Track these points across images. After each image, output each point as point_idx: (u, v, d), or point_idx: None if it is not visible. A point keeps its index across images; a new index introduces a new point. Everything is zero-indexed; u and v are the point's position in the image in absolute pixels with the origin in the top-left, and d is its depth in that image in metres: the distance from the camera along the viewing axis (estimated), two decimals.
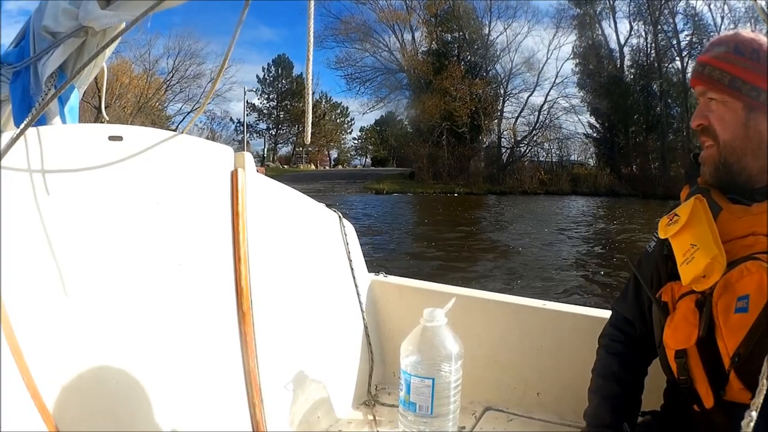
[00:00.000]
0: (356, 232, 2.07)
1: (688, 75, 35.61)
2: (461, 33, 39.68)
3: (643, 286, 1.31)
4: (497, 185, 36.16)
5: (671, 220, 1.18)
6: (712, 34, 34.70)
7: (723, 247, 1.07)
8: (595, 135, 40.15)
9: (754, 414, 0.76)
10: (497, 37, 39.37)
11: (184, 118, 41.15)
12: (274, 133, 56.37)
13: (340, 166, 62.47)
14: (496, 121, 40.02)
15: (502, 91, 39.93)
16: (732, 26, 33.35)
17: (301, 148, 56.66)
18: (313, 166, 56.82)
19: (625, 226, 19.71)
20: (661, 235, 1.21)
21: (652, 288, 1.28)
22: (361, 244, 2.08)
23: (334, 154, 64.21)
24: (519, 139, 39.68)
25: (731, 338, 1.04)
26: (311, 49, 1.28)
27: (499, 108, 39.99)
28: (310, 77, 1.30)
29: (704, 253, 1.07)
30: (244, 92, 43.86)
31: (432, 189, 35.19)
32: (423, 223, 19.60)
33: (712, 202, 1.16)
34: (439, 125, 37.92)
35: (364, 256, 2.09)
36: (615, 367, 1.37)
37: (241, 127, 49.19)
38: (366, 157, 68.08)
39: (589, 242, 16.00)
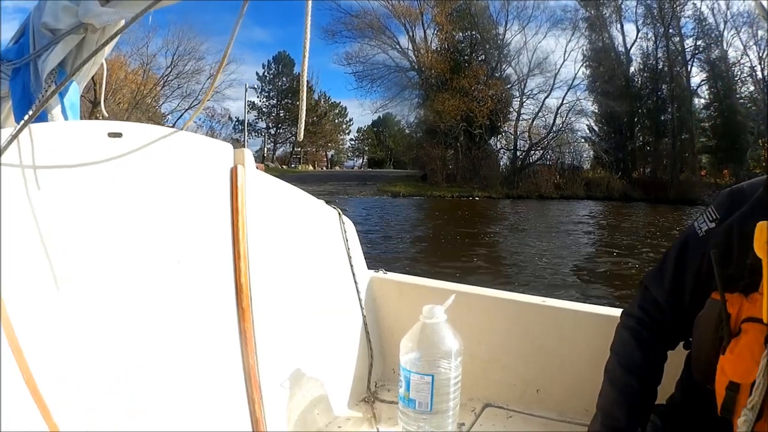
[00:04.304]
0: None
1: (694, 79, 35.14)
2: (473, 32, 39.24)
3: (689, 273, 1.24)
4: (513, 189, 35.57)
5: None
6: (715, 36, 35.00)
7: None
8: (606, 139, 39.93)
9: (751, 414, 0.75)
10: (513, 37, 39.07)
11: (181, 115, 40.77)
12: (273, 132, 56.26)
13: (337, 168, 62.35)
14: (512, 123, 39.57)
15: (518, 93, 39.44)
16: (734, 30, 33.62)
17: (299, 149, 56.54)
18: (311, 167, 56.61)
19: (642, 230, 19.74)
20: (759, 252, 1.01)
21: (701, 281, 1.21)
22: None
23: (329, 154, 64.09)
24: (535, 141, 39.10)
25: None
26: (307, 44, 1.28)
27: (515, 109, 39.49)
28: (305, 72, 1.31)
29: None
30: (245, 89, 43.63)
31: (449, 192, 34.53)
32: (455, 231, 18.48)
33: None
34: (456, 126, 37.22)
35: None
36: (638, 358, 1.30)
37: (240, 126, 49.11)
38: (363, 158, 68.02)
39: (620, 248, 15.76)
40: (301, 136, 1.40)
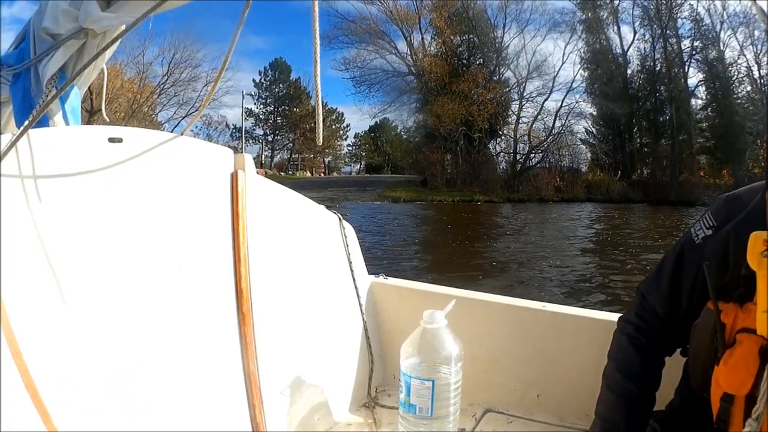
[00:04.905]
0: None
1: (691, 80, 35.10)
2: (471, 36, 39.21)
3: (685, 281, 1.24)
4: (514, 192, 35.36)
5: None
6: (712, 37, 35.16)
7: None
8: (605, 141, 39.97)
9: (756, 425, 0.75)
10: (511, 40, 39.06)
11: (178, 123, 40.56)
12: (270, 139, 56.17)
13: (335, 174, 62.24)
14: (511, 126, 39.51)
15: (517, 96, 39.39)
16: (730, 31, 33.83)
17: (297, 155, 56.47)
18: (308, 173, 56.45)
19: (646, 232, 19.82)
20: (752, 264, 1.00)
21: (696, 290, 1.20)
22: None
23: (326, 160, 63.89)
24: (535, 144, 39.01)
25: None
26: (318, 50, 1.28)
27: (514, 112, 39.43)
28: (318, 79, 1.31)
29: None
30: (242, 96, 43.58)
31: (450, 197, 34.23)
32: (459, 236, 18.14)
33: None
34: (456, 130, 37.05)
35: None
36: (636, 364, 1.30)
37: (237, 133, 49.02)
38: (360, 164, 67.93)
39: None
40: (320, 140, 1.39)
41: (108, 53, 1.48)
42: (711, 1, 34.89)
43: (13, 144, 1.10)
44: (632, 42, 38.23)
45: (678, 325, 1.26)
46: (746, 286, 1.05)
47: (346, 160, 67.36)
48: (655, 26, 36.99)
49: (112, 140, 1.33)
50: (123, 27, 1.47)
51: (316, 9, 1.25)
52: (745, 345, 1.04)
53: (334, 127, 59.70)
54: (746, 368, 1.03)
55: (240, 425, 1.50)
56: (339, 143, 62.72)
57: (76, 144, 1.26)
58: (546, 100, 38.85)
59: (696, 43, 36.30)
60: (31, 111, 1.45)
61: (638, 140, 39.96)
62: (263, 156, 53.83)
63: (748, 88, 35.62)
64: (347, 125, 61.49)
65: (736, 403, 1.05)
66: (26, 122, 1.10)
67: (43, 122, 1.47)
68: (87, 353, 1.20)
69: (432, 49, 40.32)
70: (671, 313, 1.28)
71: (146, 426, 1.28)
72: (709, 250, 1.18)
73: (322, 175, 58.89)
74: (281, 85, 55.18)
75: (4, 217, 1.09)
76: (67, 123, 1.55)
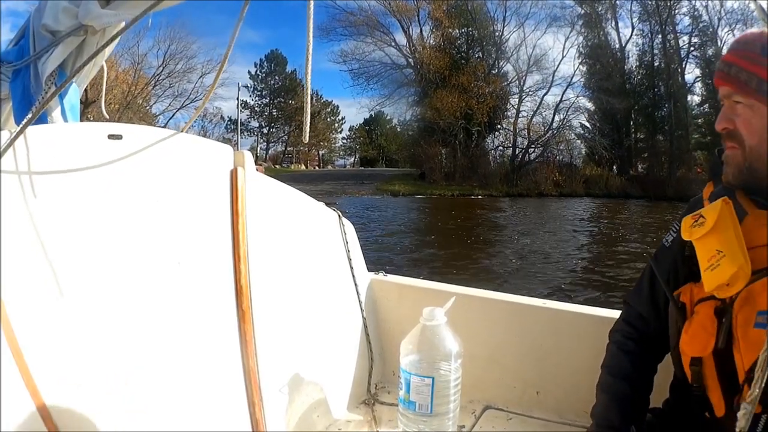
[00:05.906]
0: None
1: (688, 76, 35.14)
2: (471, 29, 38.79)
3: (660, 282, 1.30)
4: (513, 187, 34.98)
5: (696, 221, 1.14)
6: (710, 33, 35.11)
7: (747, 254, 1.04)
8: (603, 136, 39.64)
9: (750, 407, 0.76)
10: (510, 33, 38.65)
11: (173, 115, 40.19)
12: (266, 131, 55.96)
13: (330, 167, 62.11)
14: (510, 120, 39.12)
15: (516, 90, 38.96)
16: (728, 28, 33.77)
17: (292, 148, 56.29)
18: (303, 166, 56.29)
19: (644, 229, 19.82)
20: (685, 237, 1.16)
21: (670, 285, 1.26)
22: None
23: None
24: (534, 139, 38.63)
25: (748, 353, 1.02)
26: (310, 49, 1.28)
27: (514, 106, 39.05)
28: (308, 76, 1.30)
29: (730, 260, 1.04)
30: (238, 88, 43.43)
31: (449, 191, 33.87)
32: (463, 232, 17.95)
33: (738, 205, 1.12)
34: (455, 123, 36.63)
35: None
36: (626, 366, 1.35)
37: (233, 125, 48.92)
38: (354, 157, 67.83)
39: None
40: (306, 138, 1.39)
41: (108, 50, 1.47)
42: None
43: (12, 141, 1.09)
44: (630, 37, 38.09)
45: (662, 326, 1.32)
46: (696, 264, 1.13)
47: (341, 153, 67.36)
48: (654, 22, 36.90)
49: (111, 137, 1.32)
50: (122, 24, 1.46)
51: (311, 9, 1.24)
52: (702, 312, 1.14)
53: (329, 119, 59.53)
54: (704, 330, 1.12)
55: (240, 423, 1.50)
56: (334, 136, 62.68)
57: (76, 141, 1.26)
58: (546, 94, 38.57)
59: (694, 40, 36.25)
60: (30, 108, 1.45)
61: (634, 135, 39.90)
62: (258, 148, 53.70)
63: None
64: (342, 118, 61.46)
65: (705, 364, 1.13)
66: (26, 118, 1.10)
67: (43, 119, 1.46)
68: (87, 353, 1.19)
69: (431, 41, 39.90)
70: (655, 315, 1.35)
71: (146, 426, 1.28)
72: (675, 249, 1.29)
73: (317, 168, 58.77)
74: (277, 78, 54.96)
75: (4, 214, 1.08)
76: (65, 120, 1.54)
